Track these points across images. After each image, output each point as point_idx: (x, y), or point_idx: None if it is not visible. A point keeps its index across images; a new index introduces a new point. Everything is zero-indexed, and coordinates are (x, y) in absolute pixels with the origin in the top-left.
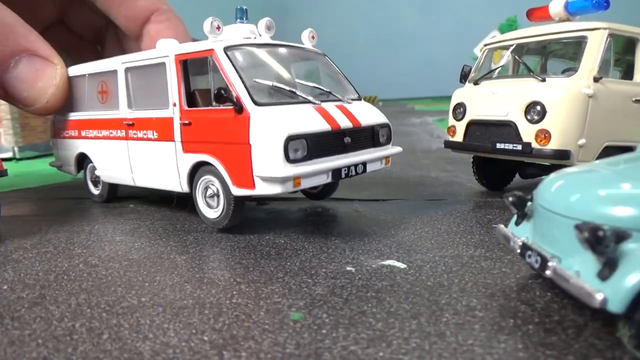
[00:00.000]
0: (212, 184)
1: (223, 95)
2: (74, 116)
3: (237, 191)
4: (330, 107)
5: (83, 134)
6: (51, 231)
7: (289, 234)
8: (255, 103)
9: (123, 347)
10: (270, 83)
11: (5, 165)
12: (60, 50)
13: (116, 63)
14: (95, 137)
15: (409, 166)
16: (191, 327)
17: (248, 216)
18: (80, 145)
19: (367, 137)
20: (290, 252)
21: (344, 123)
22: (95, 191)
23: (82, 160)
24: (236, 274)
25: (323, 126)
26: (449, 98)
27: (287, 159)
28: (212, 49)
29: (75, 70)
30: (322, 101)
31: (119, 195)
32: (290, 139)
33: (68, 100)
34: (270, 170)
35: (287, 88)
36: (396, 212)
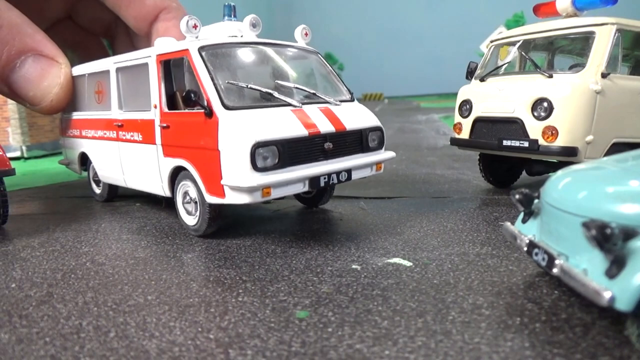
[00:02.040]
0: (190, 190)
1: (192, 99)
2: (76, 115)
3: (210, 199)
4: (312, 110)
5: (83, 133)
6: (58, 230)
7: (294, 232)
8: (225, 107)
9: (129, 345)
10: (244, 85)
11: (13, 164)
12: (67, 47)
13: (109, 63)
14: (93, 137)
15: (414, 164)
16: (197, 326)
17: (254, 214)
18: (81, 145)
19: (353, 142)
20: (296, 250)
21: (325, 127)
22: (97, 190)
23: (86, 159)
24: (242, 272)
25: (299, 131)
26: (455, 95)
27: (255, 167)
28: (187, 49)
29: (78, 70)
30: (304, 103)
31: (125, 195)
32: (258, 145)
33: (72, 99)
34: (236, 179)
35: (264, 90)
36: (402, 209)
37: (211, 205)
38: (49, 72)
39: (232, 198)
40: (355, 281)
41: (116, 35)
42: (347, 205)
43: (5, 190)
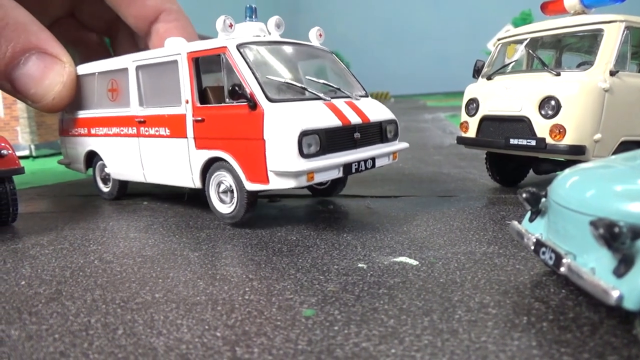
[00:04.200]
0: (225, 180)
1: (238, 92)
2: (83, 114)
3: (250, 186)
4: (340, 103)
5: (93, 131)
6: (67, 228)
7: (300, 230)
8: (269, 99)
9: (137, 343)
10: (282, 80)
11: (22, 163)
12: (69, 44)
13: (127, 61)
14: (106, 135)
15: (421, 162)
16: (204, 323)
17: (260, 213)
18: (89, 143)
19: (375, 132)
20: (302, 248)
21: (354, 119)
22: (104, 189)
23: (92, 158)
24: (248, 270)
25: (334, 122)
26: (461, 94)
27: (301, 153)
28: (225, 47)
29: (85, 68)
30: (331, 97)
31: (132, 193)
32: (304, 134)
33: (77, 98)
34: (285, 165)
35: (299, 85)
36: (408, 208)
37: (250, 193)
38: (51, 69)
39: (277, 183)
40: (362, 280)
41: (117, 34)
42: (354, 204)
43: (14, 188)
